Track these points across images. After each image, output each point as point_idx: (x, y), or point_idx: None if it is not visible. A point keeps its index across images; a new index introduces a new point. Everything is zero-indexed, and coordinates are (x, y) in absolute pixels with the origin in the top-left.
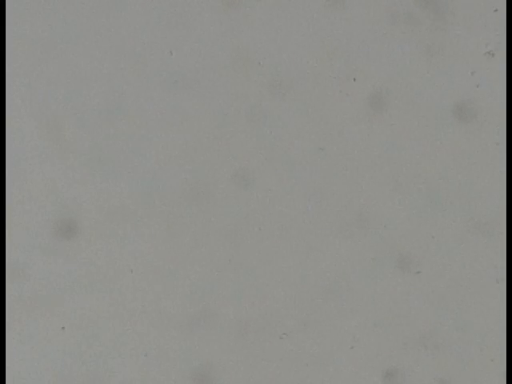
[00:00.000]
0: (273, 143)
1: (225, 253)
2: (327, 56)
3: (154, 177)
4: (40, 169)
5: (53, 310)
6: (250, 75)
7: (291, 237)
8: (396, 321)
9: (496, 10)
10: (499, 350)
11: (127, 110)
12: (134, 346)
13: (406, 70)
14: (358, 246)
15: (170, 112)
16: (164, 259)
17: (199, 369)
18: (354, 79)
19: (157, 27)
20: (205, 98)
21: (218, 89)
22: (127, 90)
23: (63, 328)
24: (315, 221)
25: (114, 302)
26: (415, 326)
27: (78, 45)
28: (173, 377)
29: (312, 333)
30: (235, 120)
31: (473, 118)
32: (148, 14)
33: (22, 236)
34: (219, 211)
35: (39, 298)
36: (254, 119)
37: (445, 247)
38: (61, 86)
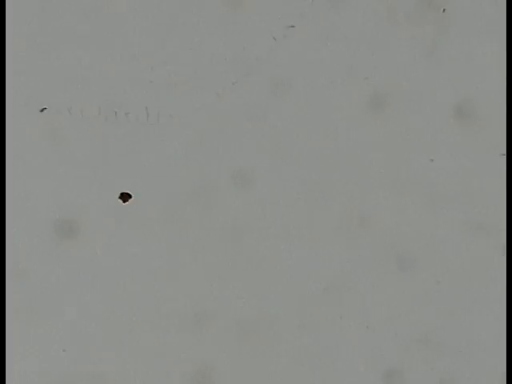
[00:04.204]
0: (273, 143)
1: (225, 252)
2: (327, 56)
3: (154, 177)
4: (40, 169)
5: (53, 310)
6: (250, 75)
7: (291, 237)
8: (396, 321)
9: (495, 10)
10: (499, 350)
11: (127, 110)
12: (134, 346)
13: (406, 69)
14: (358, 246)
15: (169, 112)
16: (164, 259)
17: (199, 369)
18: (355, 79)
19: (157, 28)
20: (205, 98)
21: (218, 88)
22: (127, 90)
23: (63, 328)
24: (315, 221)
25: (114, 302)
26: (415, 326)
27: (78, 45)
28: (173, 377)
29: (312, 333)
30: (235, 120)
31: (473, 118)
32: (148, 14)
33: (23, 236)
34: (219, 211)
35: (39, 298)
36: (254, 119)
37: (445, 247)
38: (61, 85)
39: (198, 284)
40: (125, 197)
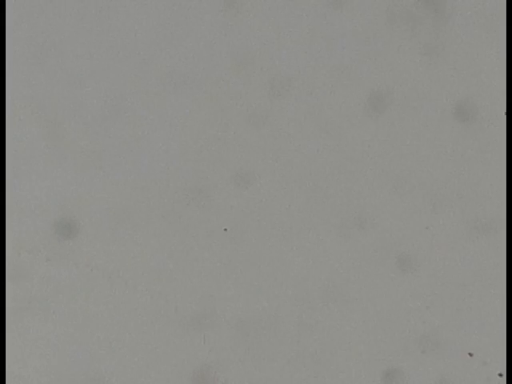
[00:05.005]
0: (273, 143)
1: (225, 252)
2: (327, 56)
3: (154, 177)
4: (40, 169)
5: (53, 310)
6: (250, 76)
7: (291, 237)
8: (396, 321)
9: (495, 10)
10: (499, 350)
11: (127, 110)
12: (134, 346)
13: (406, 69)
14: (358, 246)
15: (170, 112)
16: (164, 259)
17: (199, 369)
18: (355, 79)
19: (157, 28)
20: (205, 99)
21: (218, 89)
22: (127, 91)
23: (63, 328)
24: (315, 221)
25: (113, 303)
26: (415, 326)
27: (79, 45)
28: (173, 377)
29: (312, 333)
30: (235, 120)
31: (473, 118)
32: (148, 15)
33: (22, 236)
34: (219, 211)
35: (39, 298)
36: (254, 119)
37: (445, 247)
38: (61, 86)
39: (198, 284)
40: None
